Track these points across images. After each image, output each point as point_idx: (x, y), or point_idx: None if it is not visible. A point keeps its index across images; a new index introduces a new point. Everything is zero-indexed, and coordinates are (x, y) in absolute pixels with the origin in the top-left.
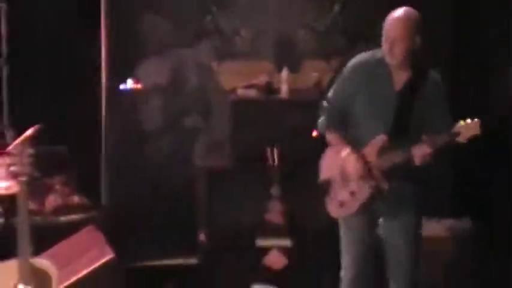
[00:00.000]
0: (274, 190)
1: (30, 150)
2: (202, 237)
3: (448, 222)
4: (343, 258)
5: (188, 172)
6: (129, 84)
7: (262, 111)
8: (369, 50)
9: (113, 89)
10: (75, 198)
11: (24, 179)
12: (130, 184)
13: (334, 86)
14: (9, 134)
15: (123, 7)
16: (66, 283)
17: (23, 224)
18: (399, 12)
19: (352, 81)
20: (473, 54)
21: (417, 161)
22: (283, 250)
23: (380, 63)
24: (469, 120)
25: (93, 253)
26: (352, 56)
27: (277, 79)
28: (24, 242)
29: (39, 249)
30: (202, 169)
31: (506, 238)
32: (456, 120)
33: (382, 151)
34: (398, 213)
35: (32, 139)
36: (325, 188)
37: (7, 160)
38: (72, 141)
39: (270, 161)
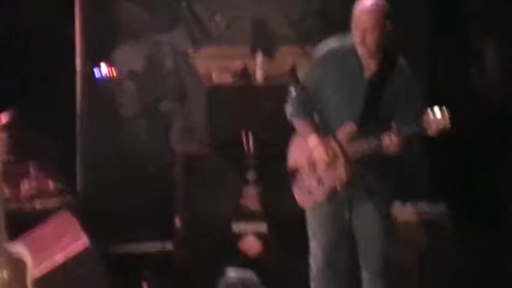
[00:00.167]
0: (250, 175)
1: (4, 136)
2: (178, 222)
3: (424, 207)
4: (312, 244)
5: (164, 158)
6: (104, 70)
7: (237, 97)
8: (343, 35)
9: (87, 74)
10: (50, 184)
11: None
12: (105, 170)
13: (303, 73)
14: None
15: None
16: (43, 270)
17: None
18: (369, 2)
19: (321, 68)
20: (452, 41)
21: (385, 149)
22: (259, 235)
23: (350, 51)
24: (438, 113)
25: (68, 239)
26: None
27: (252, 65)
28: None
29: (13, 235)
30: (178, 155)
31: (482, 223)
32: (430, 108)
33: (350, 139)
34: (367, 199)
35: (5, 124)
36: (293, 176)
37: None
38: (47, 127)
39: (246, 147)
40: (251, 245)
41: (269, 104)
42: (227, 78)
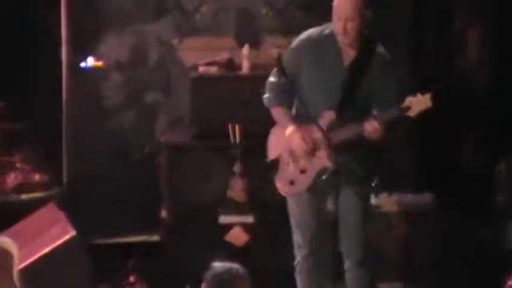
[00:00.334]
0: (236, 167)
1: None
2: (164, 214)
3: (409, 198)
4: (295, 235)
5: (150, 149)
6: (90, 61)
7: (223, 88)
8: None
9: (73, 65)
10: (36, 176)
11: None
12: (91, 161)
13: (281, 60)
14: None
15: None
16: (28, 261)
17: None
18: None
19: (299, 56)
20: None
21: (368, 136)
22: (246, 227)
23: (329, 38)
24: (419, 94)
25: (55, 231)
26: None
27: (238, 55)
28: None
29: (0, 227)
30: (164, 146)
31: (467, 212)
32: (413, 93)
33: (330, 127)
34: (349, 187)
35: None
36: (274, 166)
37: None
38: (32, 119)
39: (232, 138)
40: (237, 236)
41: (255, 95)
42: (213, 69)
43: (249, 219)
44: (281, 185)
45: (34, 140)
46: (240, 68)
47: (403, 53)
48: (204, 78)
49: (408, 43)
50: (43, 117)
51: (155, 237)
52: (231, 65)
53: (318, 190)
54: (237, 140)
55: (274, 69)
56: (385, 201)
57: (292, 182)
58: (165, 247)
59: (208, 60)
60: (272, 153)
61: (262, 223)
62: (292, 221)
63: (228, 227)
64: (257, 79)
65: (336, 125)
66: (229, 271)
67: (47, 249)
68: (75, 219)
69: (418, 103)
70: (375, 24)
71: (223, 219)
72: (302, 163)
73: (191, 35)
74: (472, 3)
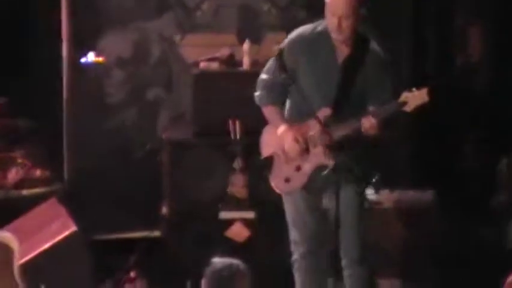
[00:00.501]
0: (237, 163)
1: None
2: (165, 210)
3: (409, 194)
4: (291, 232)
5: (151, 145)
6: (91, 57)
7: (224, 84)
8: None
9: (74, 61)
10: (37, 172)
11: None
12: (93, 157)
13: (272, 59)
14: None
15: None
16: (29, 256)
17: None
18: None
19: (291, 54)
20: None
21: (365, 132)
22: (246, 223)
23: (322, 36)
24: (415, 89)
25: (56, 226)
26: None
27: (239, 52)
28: None
29: (1, 222)
30: (165, 142)
31: (466, 211)
32: (409, 88)
33: (326, 124)
34: (345, 186)
35: None
36: (268, 164)
37: None
38: (34, 115)
39: (233, 134)
40: (238, 232)
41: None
42: (214, 65)
43: (250, 215)
44: (276, 183)
45: (35, 135)
46: (241, 64)
47: (403, 51)
48: (206, 75)
49: (408, 41)
50: (44, 113)
51: (156, 233)
52: (232, 61)
53: (313, 187)
54: (238, 136)
55: (266, 67)
56: (386, 198)
57: (287, 180)
58: (166, 243)
59: (209, 56)
60: (266, 151)
61: (262, 219)
62: (289, 219)
63: (229, 222)
64: (258, 75)
65: (331, 122)
66: (229, 267)
67: (47, 245)
68: (76, 215)
69: (414, 98)
70: (375, 22)
71: (224, 215)
72: (298, 161)
73: (193, 32)
74: (472, 2)
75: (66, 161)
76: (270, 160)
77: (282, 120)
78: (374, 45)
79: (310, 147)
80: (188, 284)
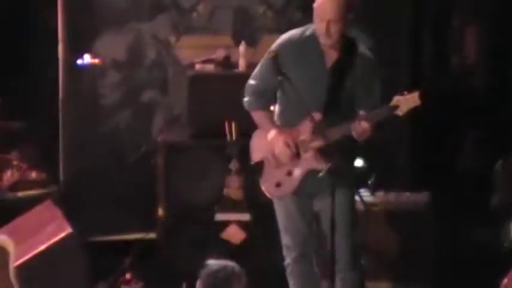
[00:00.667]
0: (233, 165)
1: None
2: (160, 211)
3: (406, 196)
4: (283, 237)
5: (146, 147)
6: (87, 59)
7: (220, 86)
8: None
9: (70, 63)
10: (33, 174)
11: None
12: (88, 159)
13: (260, 64)
14: None
15: None
16: (24, 258)
17: None
18: None
19: (280, 58)
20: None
21: (357, 136)
22: (242, 224)
23: (311, 40)
24: (406, 93)
25: (51, 228)
26: None
27: (235, 54)
28: None
29: None
30: (160, 144)
31: (463, 212)
32: (401, 92)
33: (317, 129)
34: (337, 190)
35: None
36: (259, 169)
37: None
38: (29, 117)
39: (228, 136)
40: (234, 234)
41: None
42: (209, 67)
43: (246, 216)
44: (267, 187)
45: (31, 138)
46: (236, 66)
47: (401, 51)
48: (201, 77)
49: (406, 42)
50: (40, 115)
51: (152, 235)
52: (227, 63)
53: (304, 192)
54: (234, 138)
55: (254, 72)
56: (382, 200)
57: (278, 184)
58: (162, 245)
59: (205, 58)
60: (256, 156)
61: (258, 221)
62: (280, 224)
63: (225, 224)
64: None
65: (322, 127)
66: (224, 269)
67: (43, 247)
68: (71, 217)
69: (406, 102)
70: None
71: (220, 217)
72: (289, 165)
73: (188, 33)
74: (470, 3)
75: (61, 162)
76: (260, 165)
77: (272, 125)
78: (362, 49)
79: (301, 152)
80: (183, 286)
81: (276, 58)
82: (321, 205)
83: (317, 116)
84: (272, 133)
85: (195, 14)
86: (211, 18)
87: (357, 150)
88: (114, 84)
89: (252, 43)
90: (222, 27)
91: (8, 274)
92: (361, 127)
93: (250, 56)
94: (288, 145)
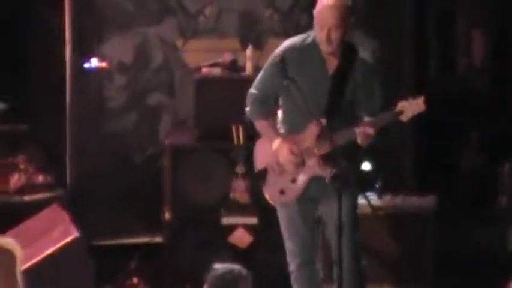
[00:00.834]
0: (239, 168)
1: None
2: (167, 215)
3: (412, 200)
4: (286, 243)
5: (153, 150)
6: (94, 62)
7: (227, 89)
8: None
9: (77, 66)
10: (40, 177)
11: None
12: (95, 162)
13: (264, 70)
14: None
15: None
16: (31, 262)
17: None
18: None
19: (277, 67)
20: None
21: (361, 142)
22: (249, 228)
23: (312, 48)
24: (411, 98)
25: (58, 232)
26: None
27: (242, 57)
28: None
29: (3, 228)
30: (167, 147)
31: (468, 215)
32: (405, 97)
33: (321, 135)
34: (335, 193)
35: None
36: (262, 176)
37: None
38: (36, 120)
39: (235, 139)
40: (241, 237)
41: None
42: (216, 71)
43: (253, 220)
44: (271, 194)
45: (37, 141)
46: (243, 69)
47: (405, 55)
48: (208, 80)
49: (410, 45)
50: (46, 118)
51: (158, 239)
52: (234, 67)
53: (307, 197)
54: (241, 142)
55: (255, 81)
56: (389, 203)
57: (282, 192)
58: (168, 248)
59: (211, 61)
60: (259, 164)
61: (265, 224)
62: (283, 230)
63: (231, 228)
64: None
65: (326, 133)
66: (231, 272)
67: (50, 250)
68: (78, 221)
69: (410, 107)
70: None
71: (226, 220)
72: (294, 173)
73: (195, 37)
74: (474, 5)
75: (68, 166)
76: (264, 172)
77: (276, 133)
78: (362, 53)
79: (305, 159)
80: None
81: (283, 62)
82: (325, 209)
83: (320, 122)
84: (277, 142)
85: (201, 18)
86: (218, 21)
87: (360, 154)
88: (120, 87)
89: (258, 46)
90: (228, 30)
91: (15, 277)
92: (365, 133)
93: (257, 60)
94: (293, 153)
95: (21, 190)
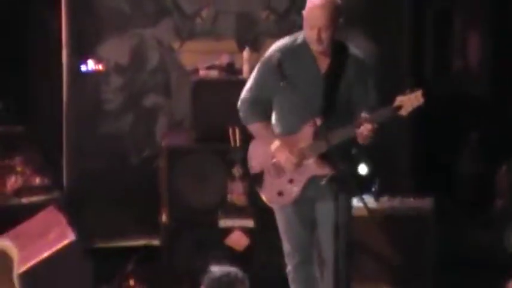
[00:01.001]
0: (236, 170)
1: None
2: (164, 217)
3: (409, 202)
4: (284, 244)
5: (149, 152)
6: (91, 64)
7: (223, 91)
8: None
9: (73, 68)
10: (36, 179)
11: None
12: (91, 164)
13: (253, 76)
14: None
15: None
16: (28, 264)
17: None
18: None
19: (271, 68)
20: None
21: (360, 140)
22: (246, 230)
23: (302, 48)
24: (409, 91)
25: (55, 234)
26: None
27: (239, 59)
28: None
29: (0, 230)
30: (163, 149)
31: (466, 217)
32: (403, 92)
33: (316, 135)
34: (330, 194)
35: None
36: (258, 180)
37: None
38: (33, 122)
39: (232, 141)
40: (238, 240)
41: None
42: (213, 73)
43: (249, 223)
44: (268, 197)
45: (34, 143)
46: (240, 71)
47: (402, 55)
48: (205, 82)
49: (408, 46)
50: (43, 120)
51: (155, 241)
52: (231, 69)
53: (305, 197)
54: (237, 144)
55: (247, 86)
56: (386, 206)
57: (280, 193)
58: (165, 251)
59: (208, 63)
60: (255, 168)
61: (262, 227)
62: (281, 231)
63: (228, 230)
64: None
65: (323, 132)
66: (227, 275)
67: (46, 253)
68: (75, 223)
69: (409, 101)
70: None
71: (224, 222)
72: (291, 173)
73: (192, 39)
74: (473, 4)
75: (65, 168)
76: (260, 175)
77: (273, 134)
78: (353, 50)
79: (304, 159)
80: None
81: (280, 63)
82: (321, 210)
83: (317, 121)
84: (275, 143)
85: (198, 19)
86: (215, 23)
87: (358, 155)
88: (117, 89)
89: (255, 48)
90: (225, 32)
91: (11, 280)
92: (365, 130)
93: (254, 61)
94: (293, 153)
95: (18, 192)
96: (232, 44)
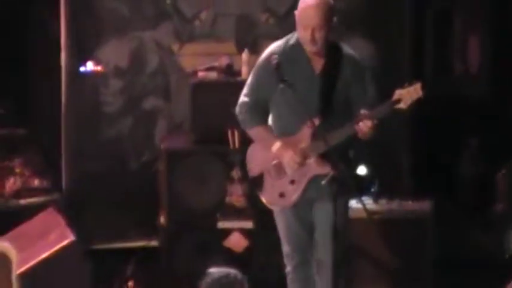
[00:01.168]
0: (235, 172)
1: None
2: (163, 219)
3: (408, 204)
4: (284, 245)
5: (148, 154)
6: (90, 66)
7: (223, 93)
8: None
9: (73, 70)
10: (36, 181)
11: None
12: (91, 167)
13: (251, 80)
14: None
15: None
16: (27, 266)
17: None
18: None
19: (268, 71)
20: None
21: (362, 136)
22: (245, 232)
23: (296, 49)
24: (407, 85)
25: (54, 235)
26: None
27: (238, 61)
28: None
29: None
30: (163, 151)
31: (465, 220)
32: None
33: (315, 136)
34: (329, 195)
35: None
36: (258, 182)
37: None
38: (32, 124)
39: (231, 143)
40: (236, 242)
41: None
42: (212, 75)
43: (248, 224)
44: (269, 199)
45: (33, 145)
46: (239, 73)
47: (402, 58)
48: (204, 84)
49: (408, 45)
50: (42, 122)
51: (154, 243)
52: (230, 71)
53: (304, 199)
54: (236, 146)
55: (245, 90)
56: (384, 208)
57: (282, 194)
58: (164, 252)
59: (207, 65)
60: (254, 171)
61: (261, 229)
62: (280, 233)
63: (227, 232)
64: None
65: (322, 132)
66: (227, 276)
67: (45, 254)
68: (74, 225)
69: (408, 94)
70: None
71: (222, 224)
72: (292, 175)
73: (191, 41)
74: (473, 5)
75: (64, 170)
76: (259, 178)
77: (274, 137)
78: (346, 49)
79: (305, 159)
80: None
81: (278, 65)
82: (319, 211)
83: (315, 121)
84: (278, 144)
85: (197, 22)
86: (214, 25)
87: (357, 157)
88: (116, 91)
89: (254, 50)
90: (224, 34)
91: (10, 281)
92: (365, 126)
93: (253, 63)
94: (296, 153)
95: (17, 194)
96: (231, 46)
